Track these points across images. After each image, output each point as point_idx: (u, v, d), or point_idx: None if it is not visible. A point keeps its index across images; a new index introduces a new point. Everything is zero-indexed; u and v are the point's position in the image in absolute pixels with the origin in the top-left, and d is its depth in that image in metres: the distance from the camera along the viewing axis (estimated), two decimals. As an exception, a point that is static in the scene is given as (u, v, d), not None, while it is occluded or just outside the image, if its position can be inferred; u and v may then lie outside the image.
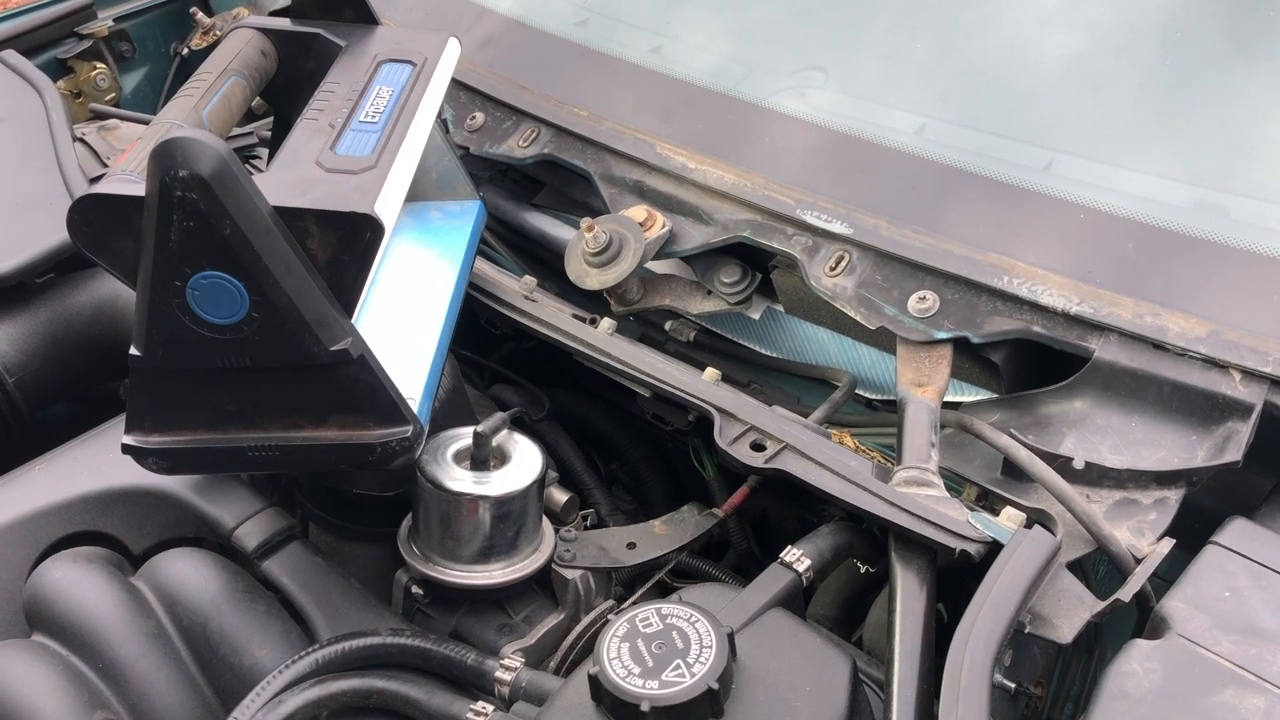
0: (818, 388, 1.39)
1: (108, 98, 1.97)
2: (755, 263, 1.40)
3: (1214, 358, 1.07)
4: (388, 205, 0.95)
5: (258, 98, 1.32)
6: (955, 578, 1.03)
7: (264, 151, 1.66)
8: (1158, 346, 1.10)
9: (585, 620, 1.12)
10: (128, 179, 0.92)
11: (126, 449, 0.97)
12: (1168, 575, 0.99)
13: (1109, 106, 1.31)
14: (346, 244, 0.92)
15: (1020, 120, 1.34)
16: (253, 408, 0.97)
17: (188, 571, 1.10)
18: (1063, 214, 1.21)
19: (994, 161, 1.28)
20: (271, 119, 1.51)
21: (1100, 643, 1.17)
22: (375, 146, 1.01)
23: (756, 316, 1.42)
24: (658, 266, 1.49)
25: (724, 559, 1.41)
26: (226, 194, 0.85)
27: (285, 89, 1.23)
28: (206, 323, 0.91)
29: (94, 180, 1.44)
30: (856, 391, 1.35)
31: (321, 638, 1.06)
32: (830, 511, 1.22)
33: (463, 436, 1.12)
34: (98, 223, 0.93)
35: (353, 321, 1.00)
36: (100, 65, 1.96)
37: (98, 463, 1.21)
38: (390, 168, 0.98)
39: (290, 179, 0.95)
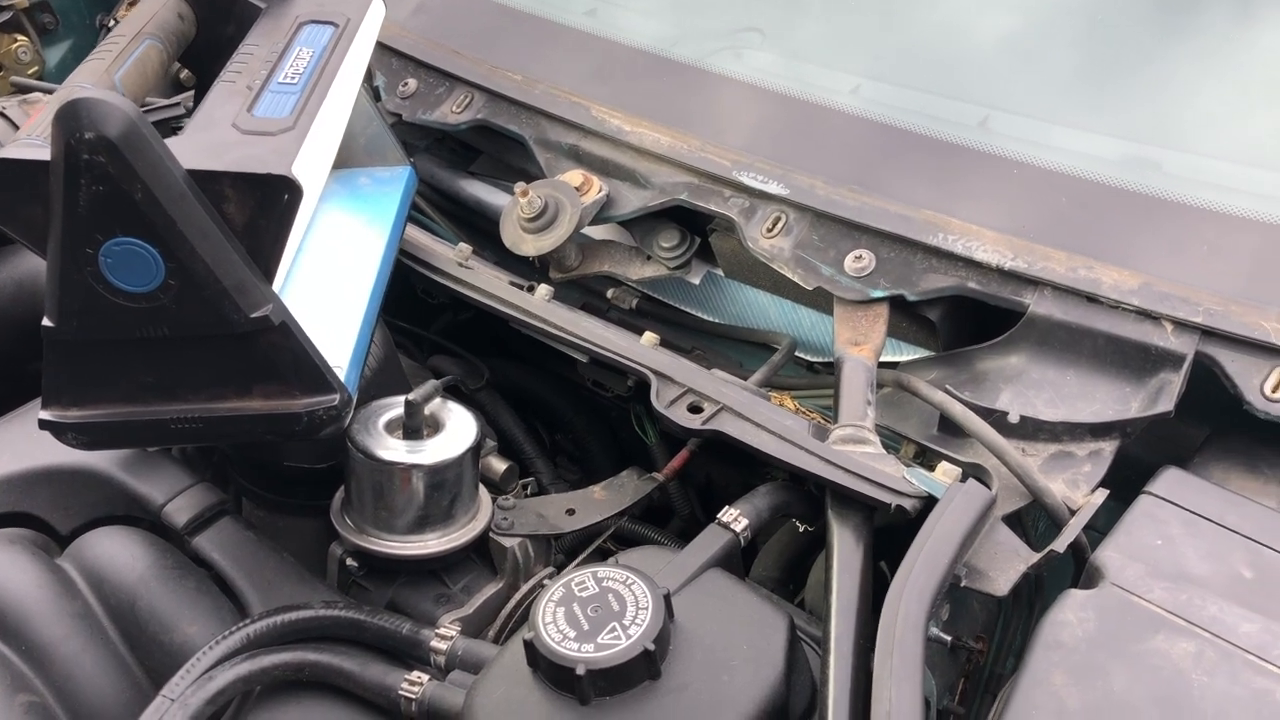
0: (761, 352, 1.38)
1: (30, 71, 1.91)
2: (694, 227, 1.38)
3: (1146, 309, 1.08)
4: (307, 167, 0.92)
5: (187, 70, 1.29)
6: (897, 536, 1.02)
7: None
8: (1091, 299, 1.10)
9: (524, 588, 1.11)
10: (33, 143, 0.89)
11: (44, 424, 0.95)
12: (1105, 527, 0.99)
13: (1043, 62, 1.31)
14: (264, 207, 0.90)
15: (955, 78, 1.34)
16: (174, 379, 0.94)
17: (115, 550, 1.08)
18: (997, 170, 1.21)
19: (929, 119, 1.28)
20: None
21: (1041, 596, 1.18)
22: (294, 108, 0.98)
23: (697, 281, 1.41)
24: (596, 232, 1.47)
25: (670, 525, 1.41)
26: (136, 157, 0.83)
27: (205, 54, 1.20)
28: (121, 291, 0.88)
29: (1, 148, 1.40)
30: (798, 354, 1.34)
31: (254, 613, 1.04)
32: (773, 474, 1.21)
33: (395, 406, 1.10)
34: (3, 190, 0.90)
35: (278, 289, 0.97)
36: (21, 38, 1.90)
37: (21, 443, 1.18)
38: (309, 129, 0.96)
39: (205, 142, 0.92)
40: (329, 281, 1.11)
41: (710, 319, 1.43)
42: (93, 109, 0.81)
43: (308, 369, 0.94)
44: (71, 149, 0.82)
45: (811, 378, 1.35)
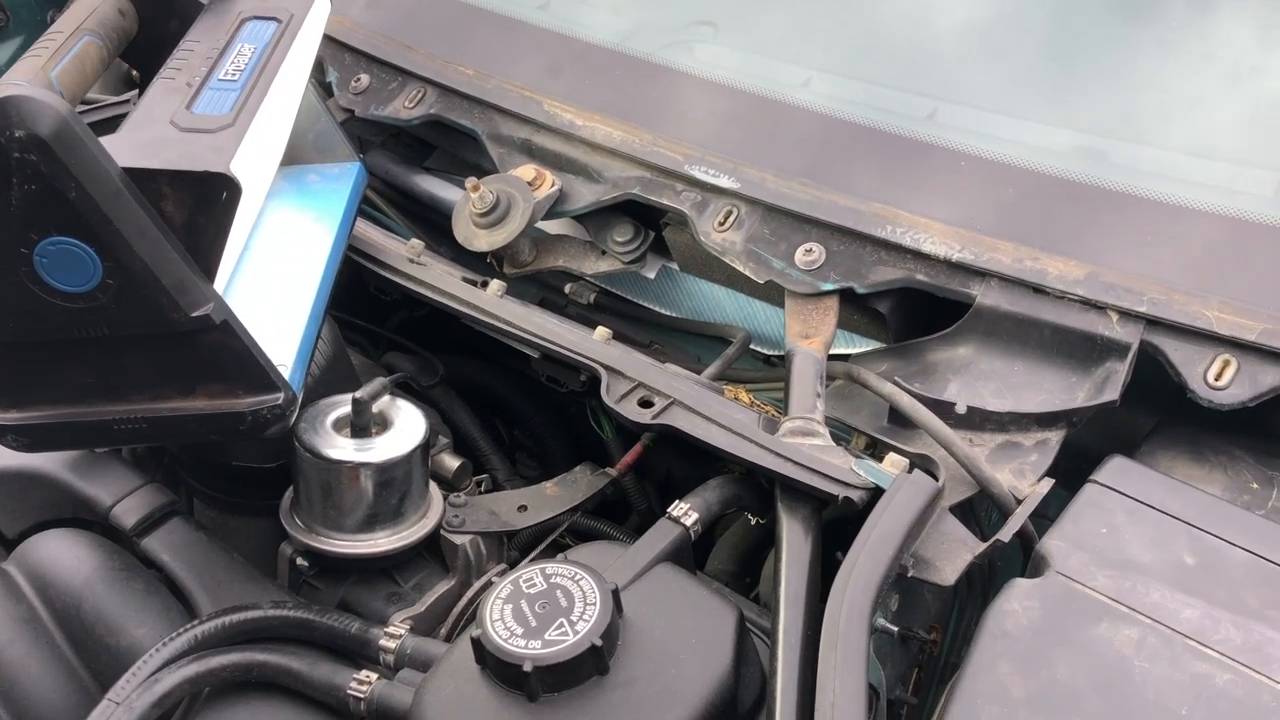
0: (719, 346, 1.38)
1: (-21, 69, 1.89)
2: (648, 221, 1.38)
3: (1092, 299, 1.08)
4: (246, 164, 0.92)
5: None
6: (852, 527, 1.03)
7: (141, 120, 1.60)
8: (1038, 290, 1.11)
9: (476, 585, 1.11)
10: (-37, 142, 0.88)
11: (-18, 426, 0.94)
12: (1057, 516, 1.00)
13: (991, 54, 1.32)
14: (202, 205, 0.89)
15: (905, 70, 1.34)
16: (116, 379, 0.94)
17: (60, 552, 1.07)
18: (945, 162, 1.21)
19: (878, 112, 1.28)
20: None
21: (995, 585, 1.19)
22: (234, 105, 0.97)
23: (652, 276, 1.41)
24: (550, 227, 1.47)
25: (628, 520, 1.41)
26: (69, 155, 0.82)
27: (148, 50, 1.18)
28: (58, 291, 0.87)
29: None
30: (753, 348, 1.35)
31: (203, 614, 1.03)
32: (730, 468, 1.21)
33: (343, 404, 1.09)
34: (-68, 190, 0.88)
35: (222, 288, 0.97)
36: (-30, 35, 1.88)
37: (-34, 447, 1.17)
38: (249, 126, 0.95)
39: (142, 139, 0.91)
40: (275, 279, 1.10)
41: (667, 313, 1.43)
42: (22, 106, 0.80)
43: (251, 368, 0.94)
44: (2, 148, 0.80)
45: (767, 371, 1.35)
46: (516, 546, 1.21)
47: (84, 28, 1.06)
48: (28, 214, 0.83)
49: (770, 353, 1.36)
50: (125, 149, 0.88)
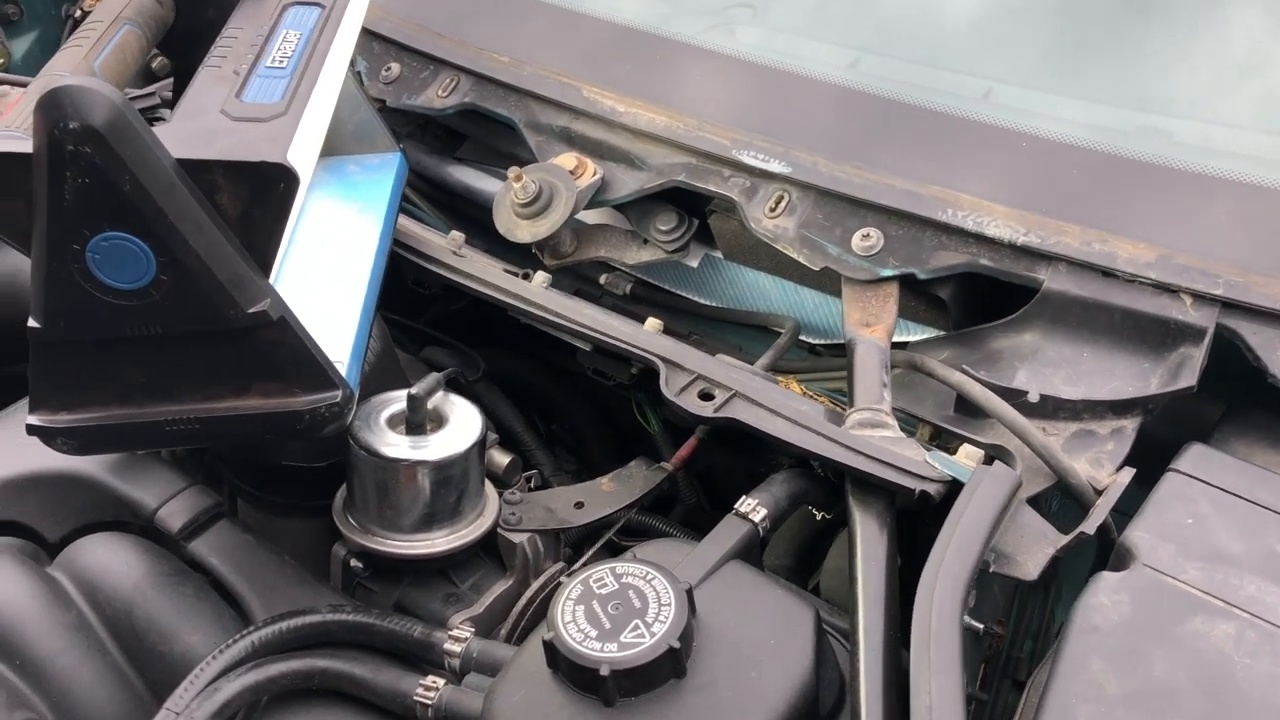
0: (761, 336, 1.35)
1: (-5, 64, 1.86)
2: (692, 208, 1.35)
3: (1164, 282, 1.05)
4: (301, 154, 0.88)
5: (161, 57, 1.23)
6: (908, 521, 1.00)
7: (168, 113, 1.57)
8: (1107, 274, 1.08)
9: (535, 584, 1.08)
10: (12, 136, 0.85)
11: (32, 429, 0.91)
12: (1123, 507, 0.97)
13: (1045, 32, 1.29)
14: (259, 197, 0.86)
15: (955, 49, 1.31)
16: (167, 379, 0.91)
17: (108, 557, 1.04)
18: (1004, 143, 1.18)
19: (930, 92, 1.25)
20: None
21: (1057, 578, 1.16)
22: (285, 92, 0.94)
23: (695, 264, 1.38)
24: (590, 217, 1.43)
25: (672, 514, 1.38)
26: (124, 146, 0.79)
27: (185, 39, 1.15)
28: (111, 288, 0.84)
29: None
30: (800, 337, 1.32)
31: (256, 619, 1.01)
32: (779, 460, 1.18)
33: (396, 400, 1.06)
34: (-18, 185, 0.85)
35: (271, 281, 0.93)
36: (-15, 29, 1.84)
37: (6, 447, 1.13)
38: (302, 115, 0.91)
39: (194, 130, 0.88)
40: (324, 274, 1.08)
41: (708, 302, 1.40)
42: (76, 97, 0.77)
43: (308, 365, 0.91)
44: (55, 140, 0.77)
45: (815, 360, 1.32)
46: (568, 543, 1.18)
47: (123, 17, 1.03)
48: (81, 208, 0.80)
49: (817, 342, 1.33)
50: (178, 140, 0.84)
